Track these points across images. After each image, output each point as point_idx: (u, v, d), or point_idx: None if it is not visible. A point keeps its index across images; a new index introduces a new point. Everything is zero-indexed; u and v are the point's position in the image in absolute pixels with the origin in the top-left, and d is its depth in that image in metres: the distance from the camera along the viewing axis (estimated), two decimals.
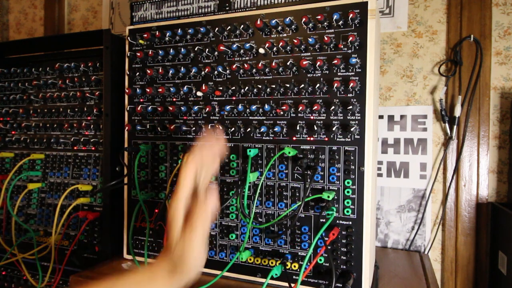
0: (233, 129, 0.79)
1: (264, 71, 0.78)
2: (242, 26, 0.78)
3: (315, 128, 0.73)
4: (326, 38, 0.71)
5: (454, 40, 1.08)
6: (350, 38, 0.69)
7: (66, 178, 1.01)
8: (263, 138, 0.78)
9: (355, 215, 0.72)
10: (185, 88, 0.83)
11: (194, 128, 0.84)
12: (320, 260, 0.74)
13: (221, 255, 0.83)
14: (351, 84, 0.69)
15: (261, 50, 0.78)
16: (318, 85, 0.72)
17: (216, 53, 0.82)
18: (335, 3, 0.73)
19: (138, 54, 0.87)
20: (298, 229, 0.76)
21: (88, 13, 1.55)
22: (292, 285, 0.72)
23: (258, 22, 0.75)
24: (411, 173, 1.12)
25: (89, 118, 0.99)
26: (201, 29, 0.81)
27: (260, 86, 0.77)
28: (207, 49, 0.81)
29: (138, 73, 0.89)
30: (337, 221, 0.73)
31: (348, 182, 0.72)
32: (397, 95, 1.14)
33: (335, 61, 0.70)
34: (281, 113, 0.76)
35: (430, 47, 1.11)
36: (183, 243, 0.52)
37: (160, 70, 0.85)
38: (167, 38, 0.85)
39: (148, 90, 0.85)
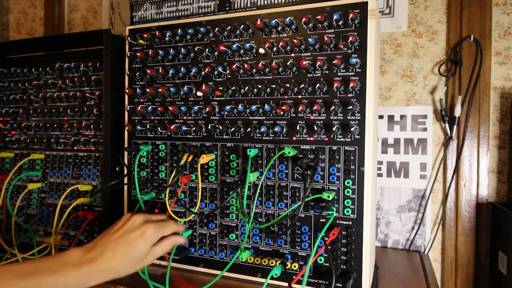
0: (233, 129, 0.79)
1: (264, 71, 0.78)
2: (242, 26, 0.78)
3: (315, 128, 0.73)
4: (326, 38, 0.71)
5: (454, 40, 1.08)
6: (350, 38, 0.69)
7: (66, 178, 1.01)
8: (263, 138, 0.78)
9: (355, 215, 0.72)
10: (185, 88, 0.83)
11: (194, 128, 0.84)
12: (320, 260, 0.74)
13: (221, 255, 0.83)
14: (351, 84, 0.69)
15: (261, 50, 0.78)
16: (318, 85, 0.72)
17: (216, 53, 0.82)
18: (335, 3, 0.73)
19: (138, 54, 0.87)
20: (298, 229, 0.76)
21: (88, 13, 1.55)
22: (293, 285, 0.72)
23: (258, 22, 0.75)
24: (411, 173, 1.12)
25: (89, 118, 0.99)
26: (201, 29, 0.81)
27: (260, 86, 0.77)
28: (207, 49, 0.81)
29: (138, 73, 0.89)
30: (337, 221, 0.73)
31: (348, 182, 0.72)
32: (397, 95, 1.14)
33: (335, 61, 0.70)
34: (281, 113, 0.76)
35: (430, 47, 1.11)
36: (106, 239, 0.61)
37: (160, 70, 0.85)
38: (167, 38, 0.85)
39: (148, 90, 0.85)
